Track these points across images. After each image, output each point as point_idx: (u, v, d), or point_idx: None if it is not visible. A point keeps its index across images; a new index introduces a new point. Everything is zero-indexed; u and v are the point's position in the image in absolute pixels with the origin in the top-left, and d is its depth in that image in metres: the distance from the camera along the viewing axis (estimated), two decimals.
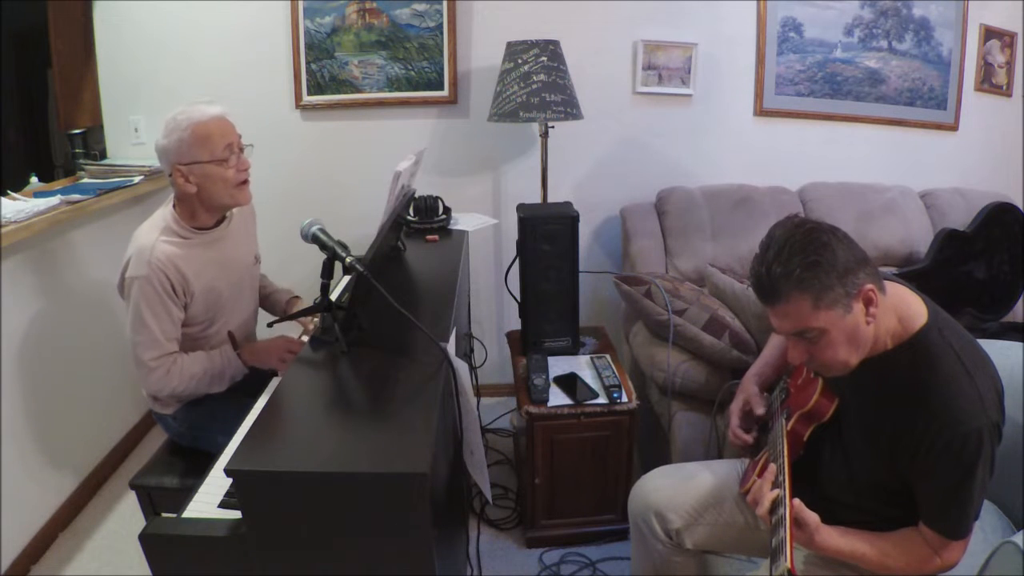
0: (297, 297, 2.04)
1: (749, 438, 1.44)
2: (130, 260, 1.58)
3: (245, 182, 1.67)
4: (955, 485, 1.09)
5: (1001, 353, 1.41)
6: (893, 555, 1.17)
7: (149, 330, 1.58)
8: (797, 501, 1.10)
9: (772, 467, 1.19)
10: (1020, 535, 1.07)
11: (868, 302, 1.11)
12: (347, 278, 2.02)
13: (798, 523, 1.11)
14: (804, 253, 1.08)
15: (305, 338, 1.69)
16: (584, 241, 2.66)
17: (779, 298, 1.11)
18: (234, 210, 1.77)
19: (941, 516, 1.13)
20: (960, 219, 2.63)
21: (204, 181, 1.60)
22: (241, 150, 1.66)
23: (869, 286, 1.10)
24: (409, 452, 1.05)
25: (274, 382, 1.59)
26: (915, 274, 2.47)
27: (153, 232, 1.60)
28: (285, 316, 1.96)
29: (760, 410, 1.44)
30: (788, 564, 0.95)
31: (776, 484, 1.15)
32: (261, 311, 2.00)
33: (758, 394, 1.49)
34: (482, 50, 2.73)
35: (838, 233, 1.12)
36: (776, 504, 1.11)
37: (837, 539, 1.16)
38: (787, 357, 1.24)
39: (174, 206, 1.66)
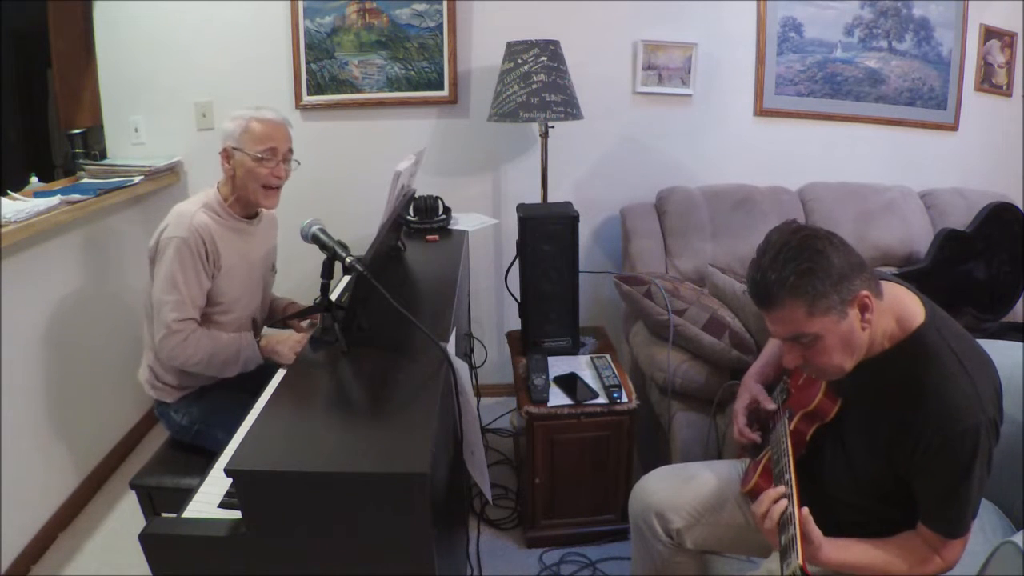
0: (294, 303, 2.08)
1: (757, 436, 1.44)
2: (168, 224, 1.67)
3: (276, 188, 1.77)
4: (953, 483, 1.10)
5: (1001, 353, 1.41)
6: (895, 560, 1.17)
7: (179, 291, 1.63)
8: (805, 512, 1.10)
9: (781, 488, 1.17)
10: (1020, 535, 1.07)
11: (863, 308, 1.11)
12: (347, 278, 2.02)
13: (802, 535, 1.10)
14: (799, 260, 1.08)
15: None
16: (584, 241, 2.66)
17: (773, 304, 1.12)
18: (264, 214, 1.89)
19: (939, 515, 1.13)
20: (960, 219, 2.63)
21: (239, 169, 1.73)
22: (286, 160, 1.77)
23: (864, 292, 1.10)
24: (409, 452, 1.05)
25: (274, 381, 1.59)
26: (915, 274, 2.47)
27: (195, 204, 1.73)
28: (286, 316, 1.98)
29: (771, 405, 1.44)
30: (800, 561, 0.95)
31: (783, 483, 1.15)
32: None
33: (763, 391, 1.49)
34: (482, 50, 2.74)
35: (834, 239, 1.12)
36: (783, 498, 1.11)
37: (839, 554, 1.16)
38: (783, 360, 1.24)
39: (218, 188, 1.78)
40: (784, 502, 1.11)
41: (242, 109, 1.75)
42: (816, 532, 1.12)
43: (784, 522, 1.07)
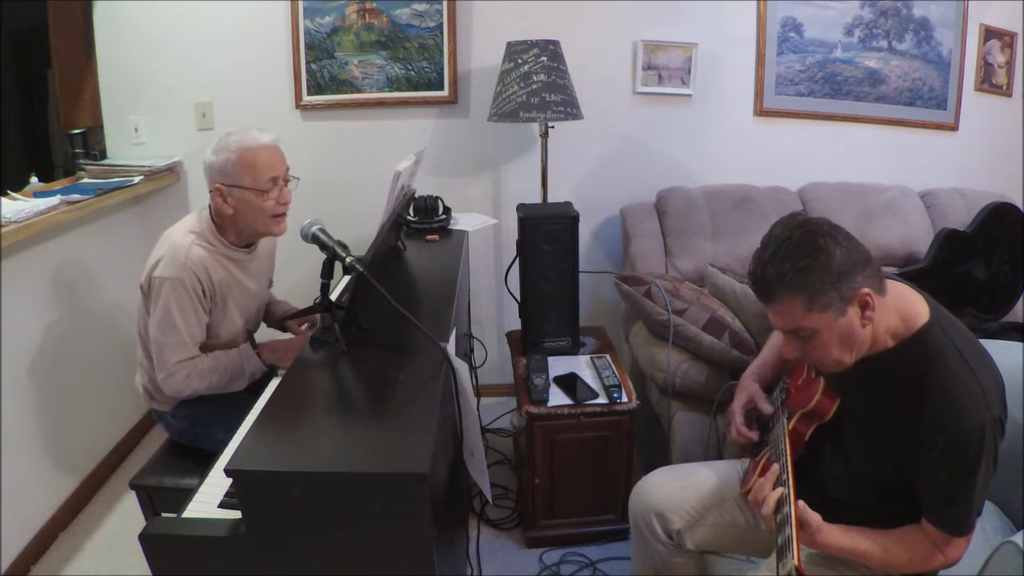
0: (293, 308, 2.05)
1: (754, 435, 1.44)
2: (161, 259, 1.57)
3: (283, 214, 1.67)
4: (958, 482, 1.09)
5: (1001, 353, 1.41)
6: (895, 552, 1.17)
7: (179, 332, 1.57)
8: (800, 502, 1.11)
9: (775, 467, 1.19)
10: (1020, 535, 1.07)
11: (864, 306, 1.10)
12: (347, 278, 2.02)
13: (801, 524, 1.11)
14: (798, 256, 1.08)
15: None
16: (584, 241, 2.66)
17: (772, 298, 1.12)
18: (262, 240, 1.78)
19: (944, 513, 1.13)
20: (960, 219, 2.63)
21: (241, 206, 1.61)
22: (286, 182, 1.66)
23: (865, 290, 1.09)
24: (409, 452, 1.05)
25: (275, 381, 1.59)
26: (915, 274, 2.47)
27: (188, 235, 1.61)
28: (285, 316, 1.98)
29: (767, 407, 1.44)
30: (795, 562, 0.95)
31: (780, 483, 1.15)
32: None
33: (760, 392, 1.49)
34: (482, 50, 2.73)
35: (838, 235, 1.11)
36: (780, 503, 1.11)
37: (839, 537, 1.17)
38: (782, 350, 1.24)
39: (211, 216, 1.67)
40: (780, 489, 1.12)
41: (222, 137, 1.59)
42: (814, 516, 1.13)
43: (780, 523, 1.07)
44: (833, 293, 1.08)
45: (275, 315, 2.03)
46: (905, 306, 1.17)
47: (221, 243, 1.67)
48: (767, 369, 1.55)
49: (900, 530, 1.19)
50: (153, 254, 1.61)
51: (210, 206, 1.67)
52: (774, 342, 1.59)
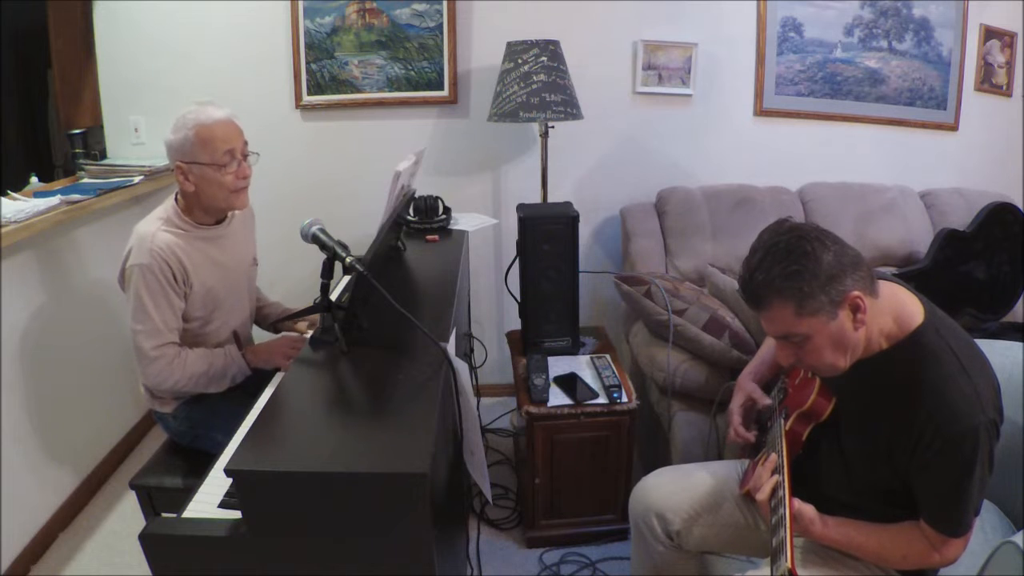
0: (289, 310, 2.03)
1: (751, 436, 1.44)
2: (131, 249, 1.59)
3: (244, 188, 1.67)
4: (953, 484, 1.10)
5: (1001, 353, 1.42)
6: (891, 548, 1.18)
7: (151, 319, 1.57)
8: (795, 499, 1.11)
9: (772, 456, 1.19)
10: (1020, 535, 1.07)
11: (855, 308, 1.10)
12: (347, 278, 2.02)
13: (795, 517, 1.11)
14: (786, 262, 1.08)
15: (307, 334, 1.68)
16: (584, 241, 2.66)
17: (761, 304, 1.12)
18: (235, 211, 1.78)
19: (940, 514, 1.13)
20: (960, 219, 2.63)
21: (201, 182, 1.62)
22: (245, 157, 1.66)
23: (856, 293, 1.09)
24: (409, 452, 1.05)
25: (275, 381, 1.59)
26: (915, 274, 2.47)
27: (155, 222, 1.62)
28: (285, 316, 1.97)
29: (766, 400, 1.44)
30: (788, 564, 0.96)
31: (777, 472, 1.16)
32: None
33: (758, 389, 1.50)
34: (482, 50, 2.74)
35: (826, 239, 1.11)
36: (776, 501, 1.11)
37: (835, 529, 1.18)
38: (777, 357, 1.24)
39: (176, 199, 1.68)
40: (776, 476, 1.12)
41: (180, 116, 1.61)
42: (808, 508, 1.14)
43: (775, 524, 1.07)
44: (823, 297, 1.08)
45: (269, 318, 2.02)
46: (899, 307, 1.17)
47: (190, 224, 1.66)
48: (764, 369, 1.55)
49: (897, 526, 1.19)
50: (126, 247, 1.61)
51: (176, 193, 1.68)
52: (771, 341, 1.59)
